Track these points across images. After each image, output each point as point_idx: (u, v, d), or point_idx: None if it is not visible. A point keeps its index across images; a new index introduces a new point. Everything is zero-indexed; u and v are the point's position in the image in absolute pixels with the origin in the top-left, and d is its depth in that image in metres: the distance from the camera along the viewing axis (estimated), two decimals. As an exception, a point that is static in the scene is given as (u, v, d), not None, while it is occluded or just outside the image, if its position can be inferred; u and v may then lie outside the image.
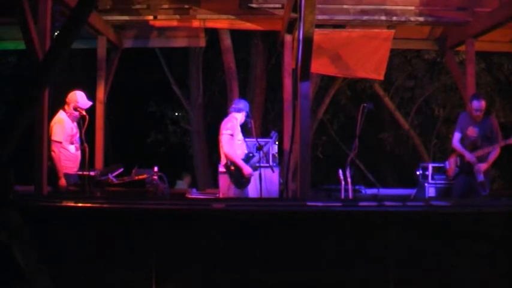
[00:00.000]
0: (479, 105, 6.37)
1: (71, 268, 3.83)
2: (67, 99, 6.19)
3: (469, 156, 6.38)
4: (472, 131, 6.46)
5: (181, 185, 9.77)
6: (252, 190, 6.59)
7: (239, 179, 6.40)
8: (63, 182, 5.96)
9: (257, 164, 6.59)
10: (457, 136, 6.61)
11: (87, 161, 5.99)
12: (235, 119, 6.56)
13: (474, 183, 6.36)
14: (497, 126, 6.48)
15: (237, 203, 5.28)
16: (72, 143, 6.15)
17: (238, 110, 6.62)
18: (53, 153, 5.94)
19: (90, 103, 6.26)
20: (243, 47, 11.27)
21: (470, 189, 6.43)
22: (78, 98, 6.13)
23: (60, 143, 6.02)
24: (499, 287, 3.90)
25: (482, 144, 6.37)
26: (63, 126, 6.05)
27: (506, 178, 12.23)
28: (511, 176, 12.39)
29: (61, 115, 6.13)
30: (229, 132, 6.40)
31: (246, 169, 6.36)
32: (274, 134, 7.05)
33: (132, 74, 11.64)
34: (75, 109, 6.10)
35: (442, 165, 7.21)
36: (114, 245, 3.89)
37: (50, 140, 5.95)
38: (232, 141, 6.42)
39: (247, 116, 6.65)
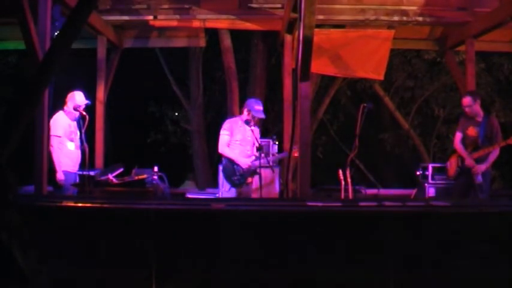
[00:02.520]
0: (464, 101, 6.53)
1: (70, 268, 3.83)
2: (66, 99, 6.43)
3: (468, 161, 6.36)
4: (472, 131, 6.45)
5: (189, 184, 9.85)
6: (252, 190, 6.58)
7: (231, 175, 6.37)
8: (60, 175, 6.04)
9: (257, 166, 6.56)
10: (458, 136, 6.60)
11: (87, 161, 6.03)
12: (239, 120, 6.51)
13: (474, 184, 6.35)
14: (497, 126, 6.46)
15: (237, 203, 5.28)
16: (71, 141, 6.29)
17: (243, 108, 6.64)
18: (51, 147, 6.05)
19: (87, 101, 6.45)
20: (243, 47, 11.26)
21: (471, 190, 6.42)
22: (76, 96, 6.37)
23: (59, 137, 6.18)
24: (499, 287, 3.90)
25: (483, 144, 6.36)
26: (60, 122, 6.26)
27: (506, 178, 12.22)
28: (511, 176, 12.38)
29: (59, 113, 6.35)
30: (226, 132, 6.40)
31: (243, 162, 6.32)
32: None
33: (132, 74, 11.62)
34: (75, 109, 6.31)
35: (442, 165, 7.21)
36: (114, 245, 3.89)
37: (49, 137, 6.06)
38: (228, 141, 6.39)
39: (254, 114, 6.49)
